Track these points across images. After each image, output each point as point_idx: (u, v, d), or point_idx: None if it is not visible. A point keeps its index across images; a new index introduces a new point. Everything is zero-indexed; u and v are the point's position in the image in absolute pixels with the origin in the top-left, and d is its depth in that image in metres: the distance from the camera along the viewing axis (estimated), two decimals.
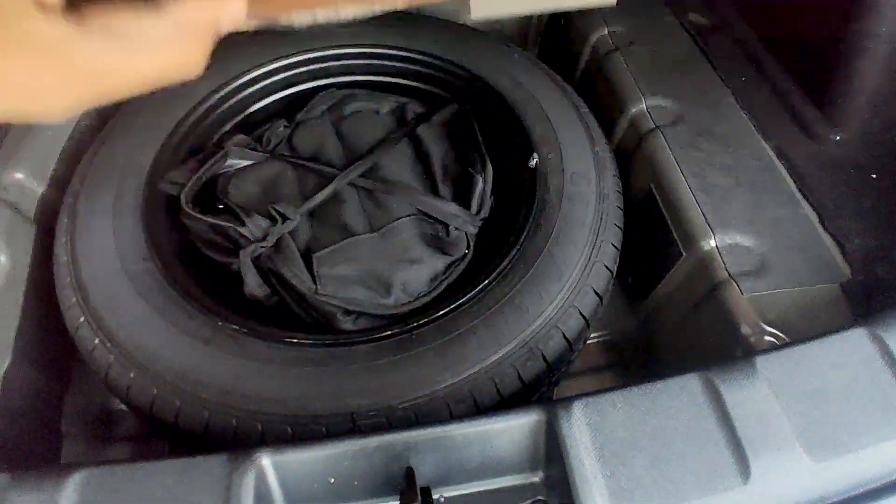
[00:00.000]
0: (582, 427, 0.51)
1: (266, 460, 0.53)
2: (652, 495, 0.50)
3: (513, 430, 0.54)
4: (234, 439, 0.78)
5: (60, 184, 1.09)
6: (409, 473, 0.52)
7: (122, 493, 0.53)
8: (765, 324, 0.87)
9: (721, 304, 0.91)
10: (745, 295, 0.88)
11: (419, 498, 0.50)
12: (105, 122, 1.15)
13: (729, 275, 0.91)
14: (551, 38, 1.54)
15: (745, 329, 0.87)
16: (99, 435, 1.09)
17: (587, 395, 0.54)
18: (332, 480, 0.56)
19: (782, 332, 0.86)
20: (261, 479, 0.54)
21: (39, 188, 1.08)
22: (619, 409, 0.51)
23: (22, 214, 1.04)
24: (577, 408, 0.53)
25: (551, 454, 0.53)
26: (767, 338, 0.86)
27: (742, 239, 0.95)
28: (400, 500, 0.51)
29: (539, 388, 0.88)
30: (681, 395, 0.52)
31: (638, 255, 1.14)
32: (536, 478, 0.59)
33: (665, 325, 1.11)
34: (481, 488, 0.59)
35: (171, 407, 0.80)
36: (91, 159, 1.05)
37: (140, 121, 1.11)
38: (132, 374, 0.82)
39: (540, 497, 0.58)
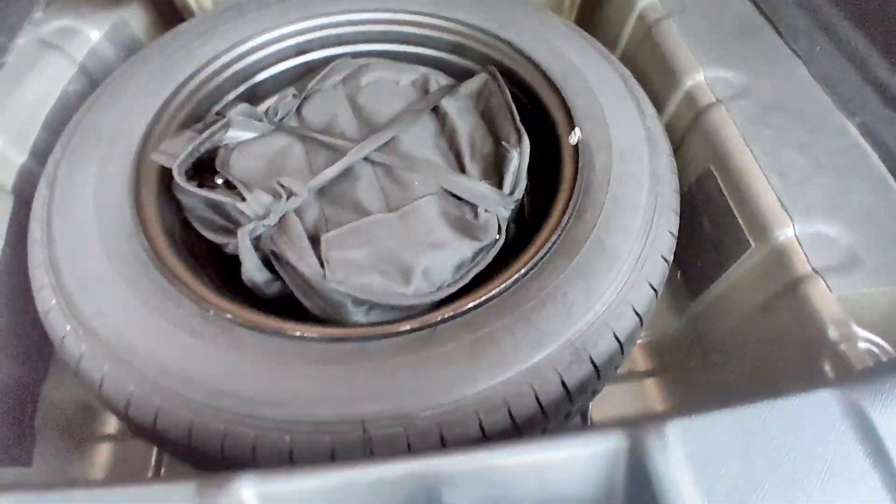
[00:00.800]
0: (680, 460, 0.37)
1: (248, 491, 0.40)
2: None
3: (581, 461, 0.39)
4: (221, 448, 0.66)
5: (43, 154, 0.97)
6: None
7: None
8: (859, 327, 0.72)
9: (802, 303, 0.76)
10: (834, 293, 0.74)
11: None
12: (95, 87, 1.04)
13: (813, 269, 0.76)
14: (590, 6, 1.40)
15: (832, 333, 0.73)
16: (76, 433, 0.97)
17: (683, 415, 0.39)
18: None
19: (881, 339, 0.72)
20: None
21: (19, 158, 0.96)
22: (729, 436, 0.37)
23: None
24: (673, 432, 0.38)
25: (635, 496, 0.39)
26: (863, 344, 0.71)
27: (826, 228, 0.80)
28: None
29: (582, 398, 0.74)
30: (813, 418, 0.38)
31: (691, 245, 1.00)
32: None
33: (723, 326, 0.97)
34: None
35: (150, 407, 0.68)
36: (76, 125, 0.94)
37: (134, 85, 0.99)
38: (106, 368, 0.70)
39: None
